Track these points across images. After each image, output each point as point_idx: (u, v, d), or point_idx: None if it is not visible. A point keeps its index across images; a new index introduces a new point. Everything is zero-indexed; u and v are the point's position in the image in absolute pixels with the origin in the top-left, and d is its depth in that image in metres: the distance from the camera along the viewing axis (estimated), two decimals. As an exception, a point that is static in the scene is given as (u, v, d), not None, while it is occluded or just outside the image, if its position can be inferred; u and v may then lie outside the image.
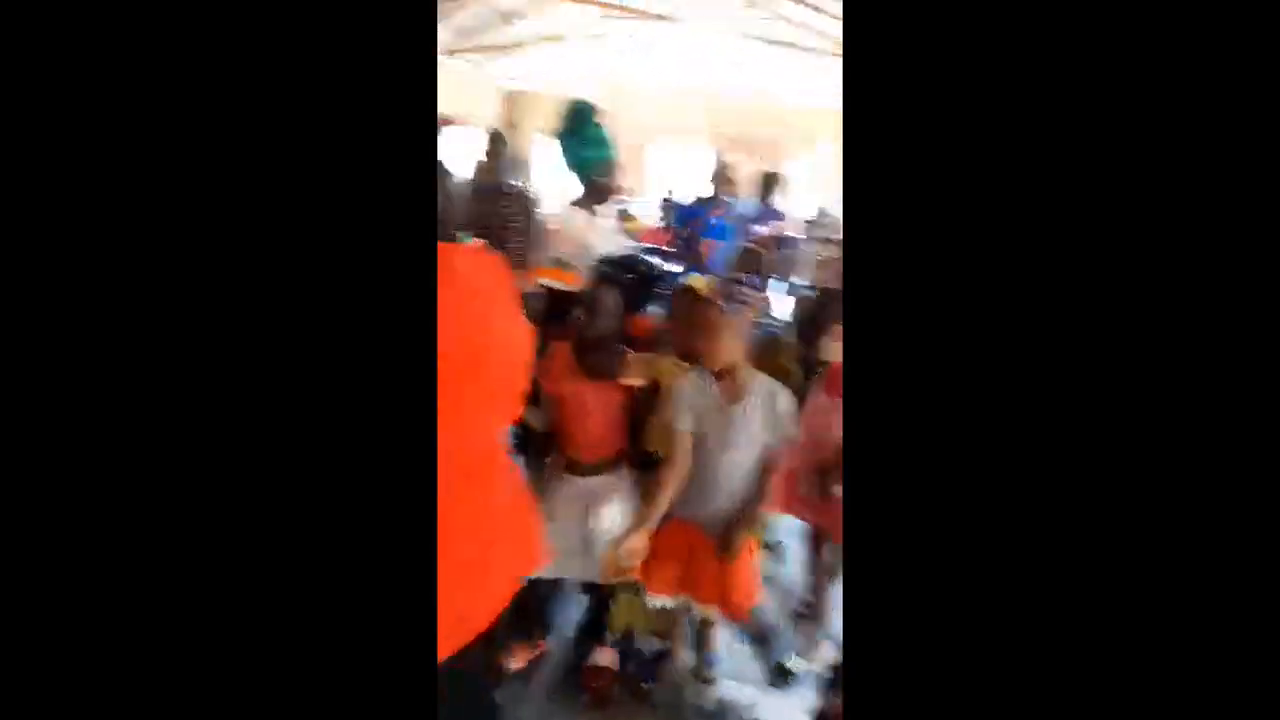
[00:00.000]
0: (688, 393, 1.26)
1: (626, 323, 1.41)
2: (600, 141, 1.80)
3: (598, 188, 1.86)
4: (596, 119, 1.79)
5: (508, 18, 6.42)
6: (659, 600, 1.39)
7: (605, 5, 5.81)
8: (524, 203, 2.29)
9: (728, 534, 1.26)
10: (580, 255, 1.59)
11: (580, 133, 1.78)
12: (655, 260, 1.80)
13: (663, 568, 1.35)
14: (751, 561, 1.34)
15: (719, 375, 1.25)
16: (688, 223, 2.98)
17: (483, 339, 0.69)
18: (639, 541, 1.14)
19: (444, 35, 4.79)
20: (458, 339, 0.65)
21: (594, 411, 1.36)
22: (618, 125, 1.86)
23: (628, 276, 1.38)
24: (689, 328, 1.31)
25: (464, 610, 0.69)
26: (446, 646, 0.66)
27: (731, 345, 1.21)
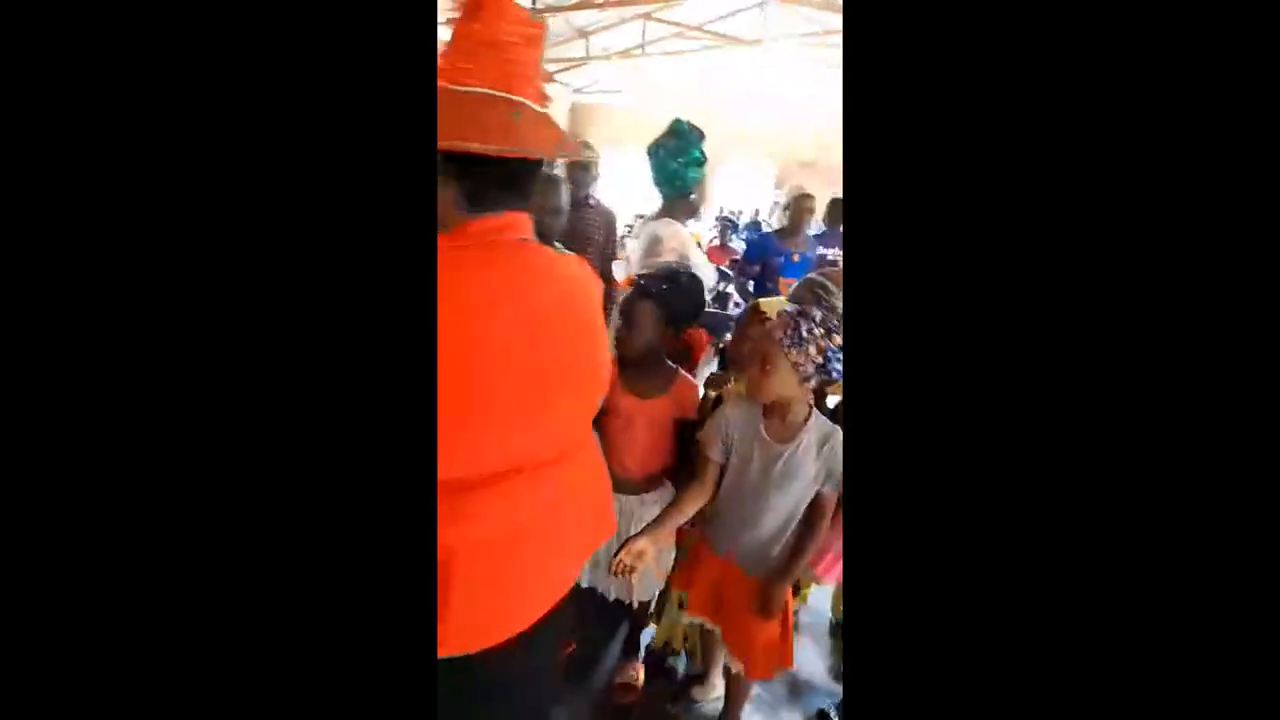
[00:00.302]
0: (729, 422, 1.21)
1: (669, 338, 1.35)
2: (700, 161, 1.92)
3: (687, 204, 1.97)
4: (699, 140, 1.90)
5: (583, 32, 6.58)
6: (696, 619, 1.37)
7: (680, 25, 5.90)
8: (604, 217, 2.37)
9: (768, 588, 1.20)
10: (681, 265, 1.64)
11: (685, 151, 1.88)
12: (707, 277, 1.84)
13: (700, 592, 1.34)
14: (786, 619, 1.26)
15: (768, 410, 1.19)
16: (759, 258, 2.93)
17: (578, 340, 0.73)
18: (645, 544, 1.10)
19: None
20: (555, 339, 0.68)
21: (639, 428, 1.33)
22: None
23: (669, 289, 1.33)
24: (744, 352, 1.28)
25: (541, 585, 0.72)
26: (500, 634, 0.67)
27: (785, 380, 1.12)
